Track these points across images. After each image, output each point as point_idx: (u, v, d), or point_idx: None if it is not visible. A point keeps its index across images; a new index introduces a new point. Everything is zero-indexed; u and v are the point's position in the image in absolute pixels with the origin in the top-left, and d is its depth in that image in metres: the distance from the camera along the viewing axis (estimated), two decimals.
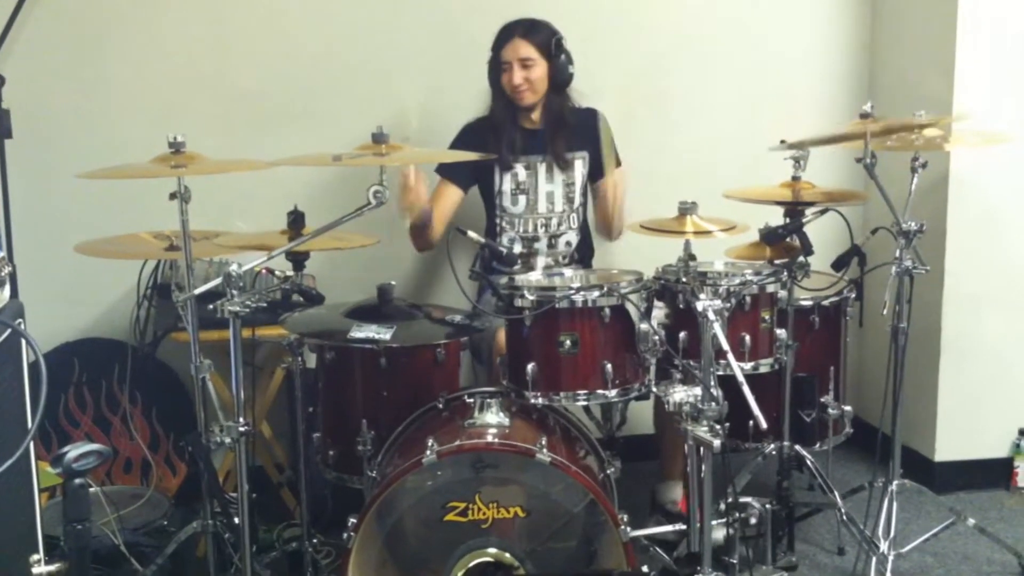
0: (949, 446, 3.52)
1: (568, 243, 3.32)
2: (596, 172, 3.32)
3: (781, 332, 2.79)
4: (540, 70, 3.15)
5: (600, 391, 2.48)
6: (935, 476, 3.47)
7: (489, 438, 2.39)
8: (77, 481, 1.57)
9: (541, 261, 3.25)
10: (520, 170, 3.25)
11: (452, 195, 3.26)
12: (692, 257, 2.51)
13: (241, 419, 2.32)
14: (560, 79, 3.19)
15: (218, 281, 2.26)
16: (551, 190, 3.26)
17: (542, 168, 3.25)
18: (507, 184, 3.25)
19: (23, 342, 1.95)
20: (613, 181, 3.24)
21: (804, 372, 2.96)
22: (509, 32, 3.16)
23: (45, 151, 3.27)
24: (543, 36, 3.15)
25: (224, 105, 3.43)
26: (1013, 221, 3.46)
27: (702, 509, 2.35)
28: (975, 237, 3.42)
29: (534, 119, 3.24)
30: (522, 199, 3.26)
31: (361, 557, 2.33)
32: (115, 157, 2.61)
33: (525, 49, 3.13)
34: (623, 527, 2.29)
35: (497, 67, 3.18)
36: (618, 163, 3.32)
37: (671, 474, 3.17)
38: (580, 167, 3.29)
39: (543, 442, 2.31)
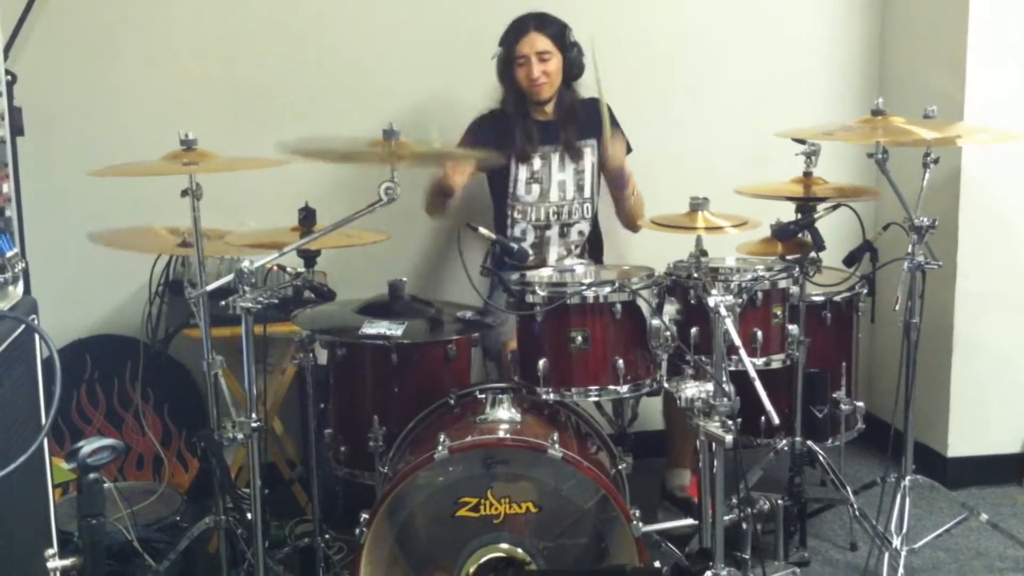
0: (961, 442, 3.51)
1: (581, 232, 3.32)
2: (604, 159, 3.32)
3: (793, 328, 2.78)
4: (556, 63, 3.15)
5: (612, 387, 2.48)
6: (947, 472, 3.46)
7: (501, 434, 2.39)
8: (92, 476, 1.57)
9: (554, 252, 3.26)
10: (536, 160, 3.26)
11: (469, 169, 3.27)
12: (704, 253, 2.51)
13: (253, 415, 2.33)
14: (573, 72, 3.19)
15: (230, 278, 2.26)
16: (563, 179, 3.27)
17: (555, 158, 3.26)
18: (522, 174, 3.26)
19: (37, 338, 1.96)
20: (615, 147, 3.23)
21: (816, 368, 2.96)
22: (524, 26, 3.15)
23: (57, 148, 3.28)
24: (556, 29, 3.15)
25: (233, 101, 3.43)
26: None
27: (714, 505, 2.35)
28: (987, 233, 3.40)
29: (547, 111, 3.25)
30: (535, 187, 3.27)
31: (373, 553, 2.33)
32: (126, 154, 2.62)
33: (542, 42, 3.13)
34: (635, 523, 2.29)
35: (510, 62, 3.17)
36: (629, 149, 3.32)
37: (680, 461, 3.18)
38: (590, 155, 3.29)
39: (555, 438, 2.31)
